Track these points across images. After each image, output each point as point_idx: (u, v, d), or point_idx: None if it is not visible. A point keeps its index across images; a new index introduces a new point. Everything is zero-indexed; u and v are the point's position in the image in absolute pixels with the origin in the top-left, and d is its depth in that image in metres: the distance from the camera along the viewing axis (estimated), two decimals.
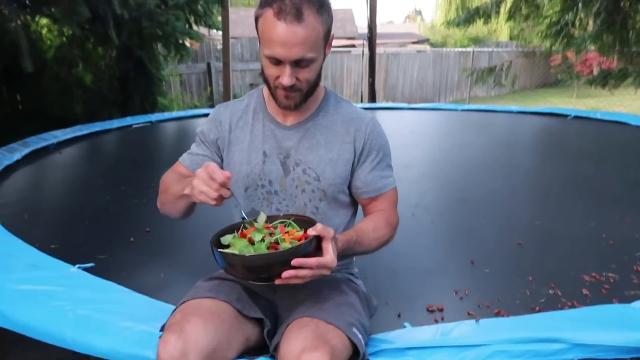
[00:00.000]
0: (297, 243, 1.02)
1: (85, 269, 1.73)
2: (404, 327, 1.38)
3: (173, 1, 5.49)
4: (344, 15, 16.62)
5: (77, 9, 4.27)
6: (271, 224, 1.12)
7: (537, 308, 1.56)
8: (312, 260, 0.98)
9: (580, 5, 5.72)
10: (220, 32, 6.94)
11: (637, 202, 2.63)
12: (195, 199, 1.06)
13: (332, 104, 1.29)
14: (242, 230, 1.11)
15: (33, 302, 1.42)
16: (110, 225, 2.39)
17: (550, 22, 6.27)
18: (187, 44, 6.43)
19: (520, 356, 1.17)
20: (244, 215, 1.13)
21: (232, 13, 7.78)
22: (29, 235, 2.03)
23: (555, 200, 2.71)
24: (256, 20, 1.11)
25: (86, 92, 5.99)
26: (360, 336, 1.10)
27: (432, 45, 17.86)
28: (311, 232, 1.01)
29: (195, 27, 6.41)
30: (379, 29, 8.18)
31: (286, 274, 0.97)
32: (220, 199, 1.04)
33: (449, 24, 7.96)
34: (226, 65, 6.73)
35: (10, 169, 3.29)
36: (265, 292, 1.26)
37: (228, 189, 1.03)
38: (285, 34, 1.05)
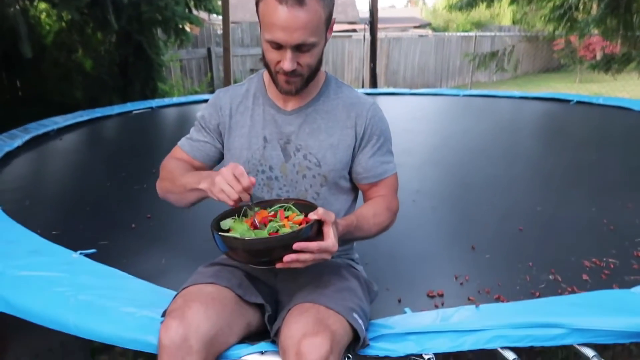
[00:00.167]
0: (298, 227, 1.02)
1: (86, 255, 1.74)
2: (405, 312, 1.39)
3: None
4: None
5: None
6: (271, 209, 1.12)
7: (537, 293, 1.57)
8: (313, 244, 0.98)
9: None
10: (220, 17, 6.86)
11: (639, 187, 2.63)
12: (213, 196, 1.06)
13: (333, 88, 1.28)
14: (242, 214, 1.11)
15: (35, 288, 1.42)
16: (112, 212, 2.39)
17: (554, 5, 6.20)
18: (187, 28, 6.38)
19: (520, 341, 1.17)
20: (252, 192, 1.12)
21: None
22: (31, 222, 2.03)
23: (557, 186, 2.70)
24: (257, 4, 1.10)
25: (86, 78, 5.96)
26: (360, 321, 1.10)
27: (434, 29, 17.69)
28: (312, 216, 1.01)
29: (195, 12, 6.35)
30: (381, 14, 8.07)
31: (287, 257, 0.97)
32: (239, 200, 1.04)
33: (451, 7, 7.86)
34: (226, 50, 6.67)
35: (11, 155, 3.28)
36: (267, 278, 1.26)
37: (250, 194, 1.04)
38: (287, 18, 1.04)
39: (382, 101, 5.67)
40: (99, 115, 4.63)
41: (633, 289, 1.43)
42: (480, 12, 13.80)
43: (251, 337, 1.17)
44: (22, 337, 1.90)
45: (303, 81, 1.16)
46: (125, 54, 5.95)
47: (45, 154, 3.58)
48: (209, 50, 8.66)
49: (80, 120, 4.41)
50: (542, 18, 6.74)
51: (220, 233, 1.02)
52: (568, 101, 5.36)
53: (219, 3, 6.52)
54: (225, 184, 1.03)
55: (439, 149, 3.73)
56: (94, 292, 1.41)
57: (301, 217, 1.07)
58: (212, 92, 7.76)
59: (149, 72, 6.14)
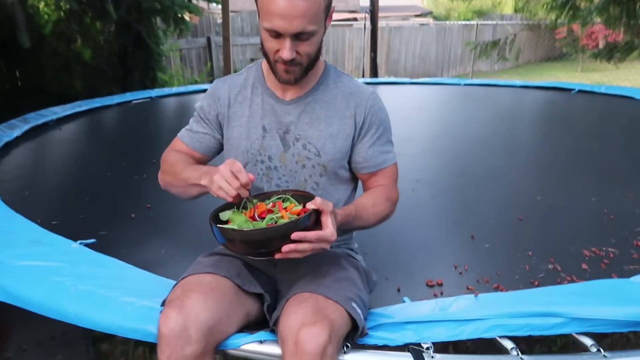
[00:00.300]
0: (296, 217, 1.02)
1: (86, 245, 1.74)
2: (403, 301, 1.39)
3: None
4: None
5: None
6: (269, 200, 1.11)
7: (536, 283, 1.57)
8: (311, 234, 0.98)
9: None
10: (219, 6, 6.80)
11: None
12: (212, 193, 1.07)
13: (332, 78, 1.27)
14: (241, 207, 1.10)
15: (35, 278, 1.42)
16: (111, 202, 2.39)
17: None
18: (187, 17, 6.33)
19: (518, 330, 1.17)
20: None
21: None
22: (30, 212, 2.03)
23: (558, 176, 2.69)
24: None
25: (85, 68, 5.93)
26: (359, 311, 1.11)
27: (436, 18, 17.56)
28: (310, 205, 1.01)
29: (194, 1, 6.30)
30: (381, 2, 8.00)
31: (286, 248, 0.97)
32: (238, 197, 1.04)
33: None
34: (226, 39, 6.63)
35: (10, 145, 3.27)
36: (266, 268, 1.26)
37: (248, 190, 1.04)
38: (286, 6, 1.03)
39: (382, 91, 5.64)
40: (98, 105, 4.61)
41: (632, 278, 1.43)
42: (482, 0, 13.70)
43: (250, 326, 1.17)
44: (24, 325, 1.91)
45: (302, 70, 1.16)
46: (125, 44, 5.92)
47: (45, 144, 3.58)
48: (208, 39, 8.61)
49: (80, 110, 4.39)
50: (544, 6, 6.68)
51: (218, 225, 1.02)
52: (570, 90, 5.33)
53: None
54: (223, 181, 1.03)
55: (440, 138, 3.72)
56: (93, 281, 1.41)
57: (299, 207, 1.07)
58: (212, 82, 7.70)
59: (148, 62, 6.11)
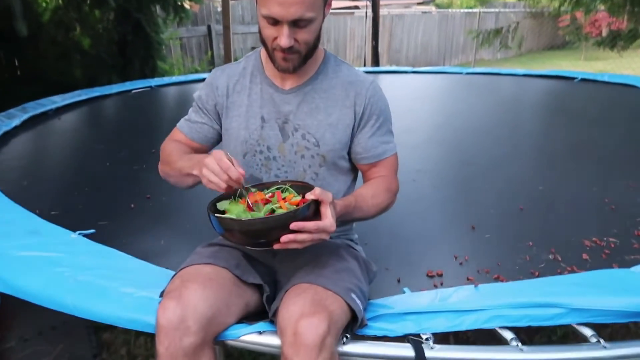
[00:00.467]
0: (295, 208, 1.01)
1: (85, 235, 1.74)
2: (403, 292, 1.38)
3: None
4: None
5: None
6: (268, 190, 1.10)
7: (537, 273, 1.57)
8: (310, 224, 0.97)
9: None
10: None
11: None
12: (204, 184, 1.06)
13: (331, 67, 1.25)
14: (239, 196, 1.10)
15: (34, 269, 1.42)
16: (111, 192, 2.38)
17: None
18: (186, 5, 6.27)
19: (519, 321, 1.17)
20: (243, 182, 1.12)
21: None
22: (29, 202, 2.03)
23: (559, 165, 2.68)
24: None
25: (84, 57, 5.89)
26: (358, 302, 1.10)
27: (438, 6, 17.39)
28: (309, 196, 1.00)
29: None
30: None
31: (285, 238, 0.97)
32: (230, 188, 1.04)
33: None
34: (226, 28, 6.58)
35: (9, 135, 3.26)
36: (265, 258, 1.26)
37: (241, 184, 1.03)
38: None
39: (384, 80, 5.61)
40: (97, 94, 4.58)
41: (633, 269, 1.43)
42: None
43: (249, 317, 1.17)
44: (26, 316, 1.92)
45: (301, 58, 1.14)
46: (124, 32, 5.87)
47: (44, 133, 3.56)
48: (209, 28, 8.54)
49: (79, 99, 4.37)
50: None
51: (216, 214, 1.01)
52: (572, 79, 5.29)
53: None
54: (212, 175, 1.02)
55: (441, 127, 3.69)
56: (92, 272, 1.41)
57: (298, 198, 1.06)
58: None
59: (148, 51, 6.06)
